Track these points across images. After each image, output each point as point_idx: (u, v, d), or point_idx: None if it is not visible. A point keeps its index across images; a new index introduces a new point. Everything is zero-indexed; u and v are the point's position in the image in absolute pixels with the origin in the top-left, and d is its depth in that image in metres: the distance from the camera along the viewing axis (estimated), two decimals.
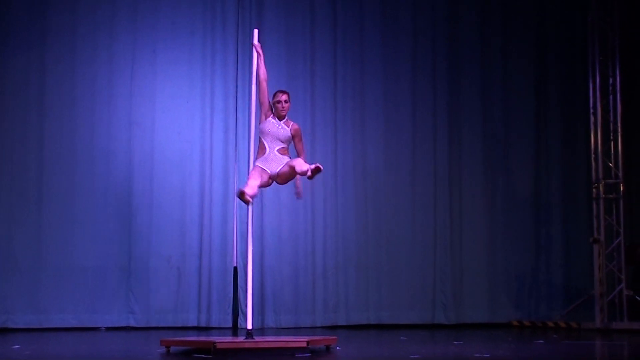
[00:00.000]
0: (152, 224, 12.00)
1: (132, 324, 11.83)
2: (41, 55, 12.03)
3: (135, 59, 12.22)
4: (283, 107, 8.57)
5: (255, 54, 8.69)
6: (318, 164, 8.20)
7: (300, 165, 8.31)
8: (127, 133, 12.11)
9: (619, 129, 12.30)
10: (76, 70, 12.09)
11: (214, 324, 11.93)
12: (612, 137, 12.35)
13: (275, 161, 8.47)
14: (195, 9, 12.40)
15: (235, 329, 11.82)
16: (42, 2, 12.09)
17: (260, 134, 8.57)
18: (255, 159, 8.55)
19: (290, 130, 8.54)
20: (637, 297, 12.00)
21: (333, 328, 12.00)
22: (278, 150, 8.51)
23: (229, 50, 12.39)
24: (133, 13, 12.26)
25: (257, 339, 8.17)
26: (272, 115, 8.59)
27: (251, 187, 8.30)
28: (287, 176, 8.50)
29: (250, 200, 8.28)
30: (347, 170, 12.54)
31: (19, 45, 11.98)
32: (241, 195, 8.23)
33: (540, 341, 9.81)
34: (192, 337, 9.27)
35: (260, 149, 8.55)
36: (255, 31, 8.87)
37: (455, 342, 9.74)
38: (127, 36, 12.23)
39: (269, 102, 8.63)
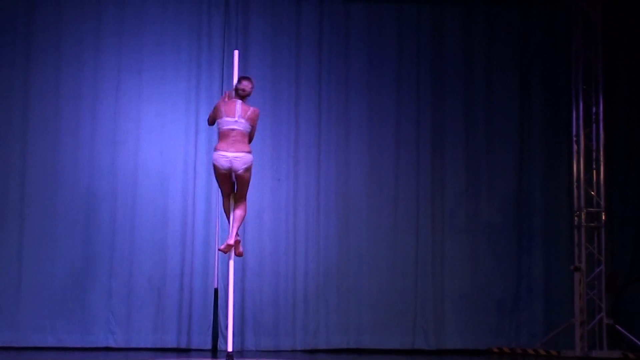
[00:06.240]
0: (133, 244, 11.98)
1: (112, 344, 11.77)
2: (25, 73, 12.05)
3: (121, 77, 12.22)
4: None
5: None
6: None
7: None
8: (111, 152, 12.09)
9: (602, 158, 12.33)
10: (60, 89, 12.10)
11: (193, 346, 11.88)
12: (594, 166, 12.36)
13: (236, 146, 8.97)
14: (181, 29, 12.41)
15: (215, 351, 11.77)
16: (26, 20, 12.10)
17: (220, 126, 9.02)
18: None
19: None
20: (617, 326, 12.02)
21: (313, 352, 11.96)
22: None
23: (214, 70, 12.38)
24: (118, 32, 12.27)
25: None
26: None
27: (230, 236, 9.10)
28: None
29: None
30: (329, 192, 12.53)
31: (2, 63, 11.97)
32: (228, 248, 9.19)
33: None
34: None
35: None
36: (236, 52, 8.97)
37: None
38: (112, 55, 12.24)
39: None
